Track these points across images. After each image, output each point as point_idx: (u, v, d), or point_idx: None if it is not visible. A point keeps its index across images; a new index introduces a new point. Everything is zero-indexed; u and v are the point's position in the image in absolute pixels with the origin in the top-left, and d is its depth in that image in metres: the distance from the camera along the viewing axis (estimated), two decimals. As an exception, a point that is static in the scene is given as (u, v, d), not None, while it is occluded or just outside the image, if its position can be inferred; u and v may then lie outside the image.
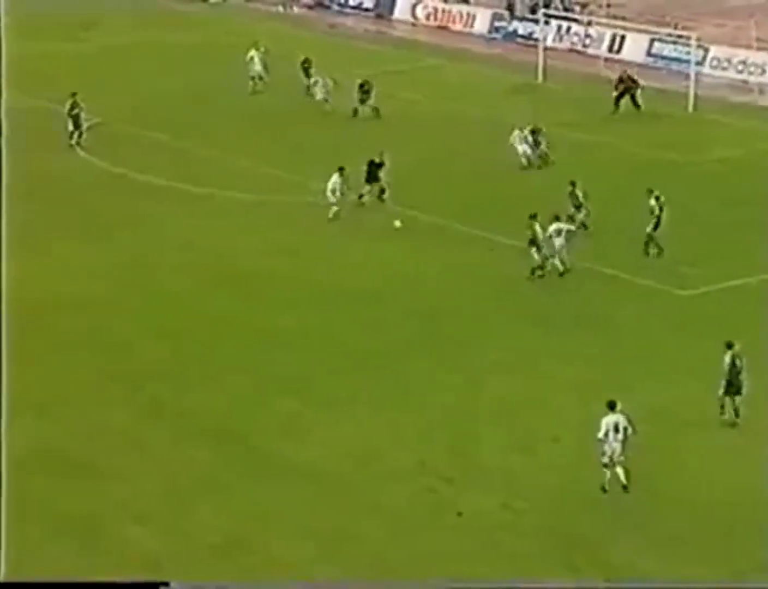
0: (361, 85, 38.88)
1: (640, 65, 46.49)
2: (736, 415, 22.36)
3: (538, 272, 28.23)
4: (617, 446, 20.29)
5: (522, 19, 50.77)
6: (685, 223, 31.54)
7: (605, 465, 20.45)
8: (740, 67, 45.07)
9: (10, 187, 35.87)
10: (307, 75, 41.44)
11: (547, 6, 50.08)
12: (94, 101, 37.97)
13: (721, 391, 22.30)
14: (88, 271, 28.58)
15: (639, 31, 47.27)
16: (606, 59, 47.07)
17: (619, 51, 47.64)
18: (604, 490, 20.52)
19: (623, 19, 48.85)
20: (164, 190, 33.79)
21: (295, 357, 24.92)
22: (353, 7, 55.42)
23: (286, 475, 21.01)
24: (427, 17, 53.16)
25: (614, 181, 34.83)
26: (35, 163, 34.84)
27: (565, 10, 50.54)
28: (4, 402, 22.70)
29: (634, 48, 47.31)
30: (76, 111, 36.06)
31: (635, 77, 41.66)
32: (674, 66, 45.34)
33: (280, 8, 56.41)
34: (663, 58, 46.54)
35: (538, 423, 22.49)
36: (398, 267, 29.14)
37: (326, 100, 39.02)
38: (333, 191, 31.42)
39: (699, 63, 43.78)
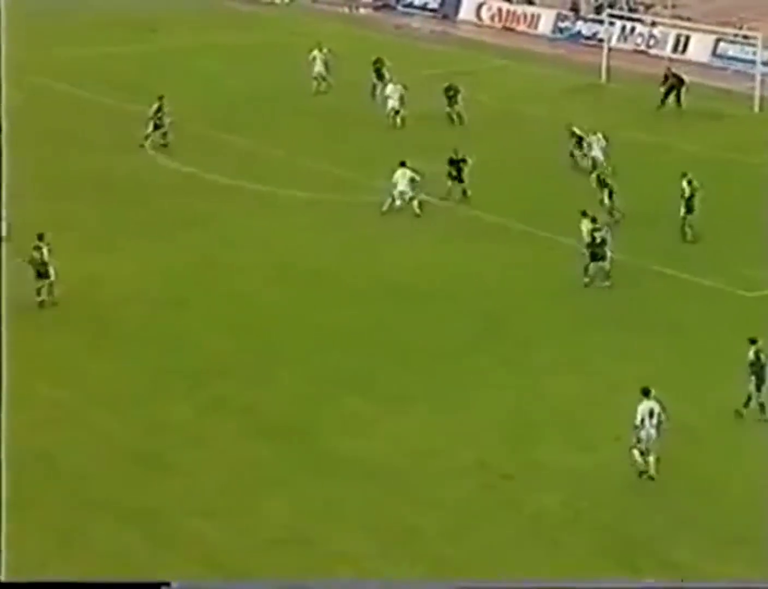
0: (447, 89, 38.97)
1: (704, 66, 46.32)
2: (762, 410, 22.43)
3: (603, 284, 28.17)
4: (653, 432, 20.60)
5: (586, 19, 50.72)
6: (749, 225, 31.45)
7: (642, 453, 20.68)
8: (809, 68, 44.72)
9: (80, 187, 36.76)
10: (379, 76, 41.69)
11: (611, 7, 49.99)
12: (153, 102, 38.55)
13: (752, 388, 22.37)
14: (156, 269, 29.02)
15: (704, 31, 47.03)
16: (670, 60, 46.85)
17: (683, 51, 47.45)
18: (641, 475, 20.73)
19: (688, 19, 48.61)
20: (231, 189, 34.19)
21: (357, 354, 25.13)
22: (418, 8, 55.66)
23: (348, 471, 21.21)
24: (492, 18, 53.27)
25: (677, 182, 34.72)
26: (104, 162, 35.52)
27: (630, 10, 50.42)
28: (66, 397, 23.30)
29: (699, 48, 47.08)
30: (160, 114, 36.67)
31: (681, 75, 41.55)
32: (739, 66, 45.05)
33: (346, 9, 56.82)
34: (728, 58, 46.28)
35: (599, 422, 22.49)
36: (461, 266, 29.24)
37: (396, 111, 38.91)
38: (395, 185, 31.73)
39: (765, 63, 43.44)
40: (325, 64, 42.06)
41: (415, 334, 26.01)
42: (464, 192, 32.61)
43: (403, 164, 32.02)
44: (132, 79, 43.73)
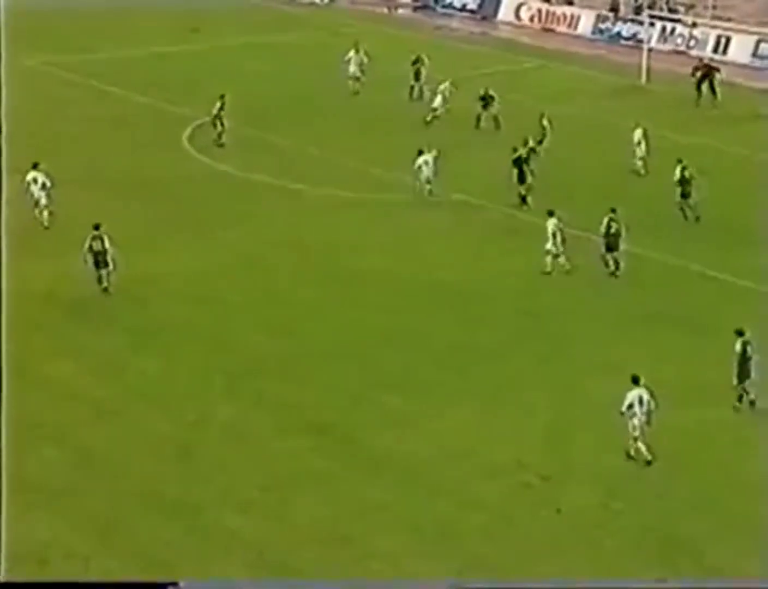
0: (482, 95, 39.09)
1: (745, 66, 46.11)
2: (749, 401, 22.63)
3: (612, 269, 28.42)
4: (643, 418, 20.97)
5: (626, 20, 50.60)
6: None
7: (635, 438, 21.07)
8: None
9: (120, 184, 37.08)
10: (417, 76, 41.81)
11: (651, 7, 49.84)
12: (201, 101, 38.87)
13: (735, 380, 22.59)
14: (197, 267, 29.24)
15: (745, 32, 46.82)
16: (711, 60, 46.70)
17: (724, 52, 47.25)
18: (629, 457, 21.17)
19: (729, 20, 48.41)
20: (270, 188, 34.38)
21: (397, 352, 25.24)
22: (458, 9, 55.72)
23: (387, 468, 21.34)
24: (531, 19, 53.25)
25: (718, 182, 34.63)
26: (145, 160, 35.85)
27: (670, 11, 50.23)
28: (113, 392, 23.56)
29: (740, 49, 46.88)
30: (222, 113, 37.11)
31: (713, 65, 41.60)
32: (781, 67, 44.92)
33: (385, 10, 56.99)
34: (769, 59, 46.15)
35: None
36: (500, 265, 29.29)
37: (435, 110, 39.11)
38: (419, 169, 32.23)
39: (806, 64, 43.30)
40: (360, 64, 42.27)
41: (454, 333, 26.09)
42: (524, 196, 32.49)
43: (421, 153, 32.40)
44: (174, 80, 44.08)
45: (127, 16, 52.21)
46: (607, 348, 25.09)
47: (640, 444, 21.25)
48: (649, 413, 21.21)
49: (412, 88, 41.86)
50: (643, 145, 34.83)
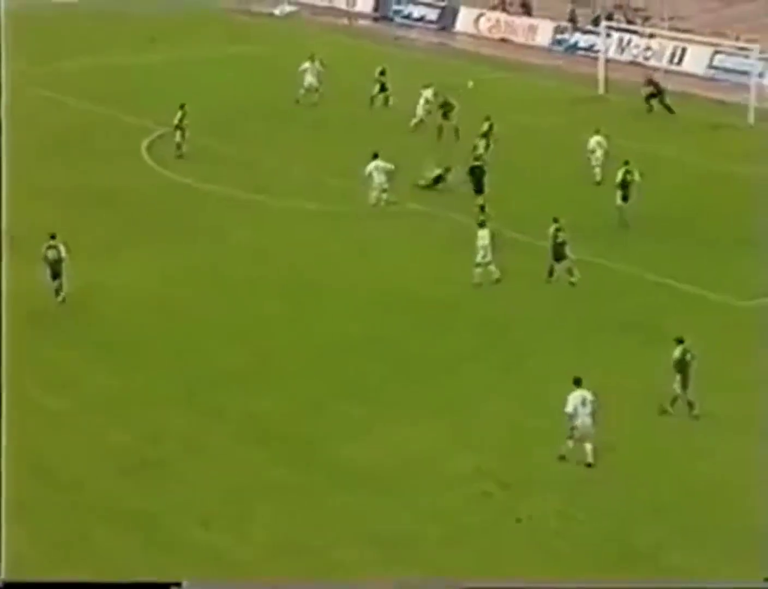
0: (442, 104, 39.35)
1: (701, 77, 46.64)
2: (672, 404, 22.98)
3: (572, 278, 28.69)
4: (588, 420, 21.22)
5: (584, 31, 51.03)
6: (746, 235, 31.71)
7: (571, 437, 21.36)
8: (804, 80, 45.11)
9: (78, 195, 36.91)
10: (382, 86, 41.96)
11: (608, 19, 50.28)
12: (160, 111, 38.82)
13: (678, 387, 22.91)
14: (156, 279, 29.21)
15: (700, 43, 47.37)
16: (667, 71, 47.21)
17: (680, 63, 47.77)
18: (561, 458, 21.42)
19: (685, 31, 48.95)
20: (230, 199, 34.41)
21: (358, 362, 25.31)
22: (417, 20, 55.99)
23: (347, 479, 21.37)
24: (490, 30, 53.59)
25: (675, 192, 35.03)
26: (104, 172, 35.76)
27: (627, 22, 50.72)
28: (68, 405, 23.48)
29: (696, 60, 47.42)
30: (184, 123, 37.06)
31: (659, 83, 42.07)
32: (735, 78, 45.36)
33: (345, 21, 57.16)
34: (724, 70, 46.60)
35: (596, 431, 22.57)
36: (461, 275, 29.39)
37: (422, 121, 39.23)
38: (371, 178, 32.32)
39: (761, 75, 43.76)
40: (317, 75, 42.40)
41: (415, 342, 26.20)
42: (482, 206, 32.74)
43: (375, 156, 32.45)
44: (133, 90, 44.00)
45: (83, 26, 52.09)
46: (565, 357, 25.20)
47: (586, 445, 21.44)
48: (593, 414, 21.44)
49: (372, 98, 41.99)
50: (599, 153, 35.08)
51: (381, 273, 29.72)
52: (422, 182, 34.42)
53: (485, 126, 36.61)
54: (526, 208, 32.92)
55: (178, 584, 15.46)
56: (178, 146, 37.21)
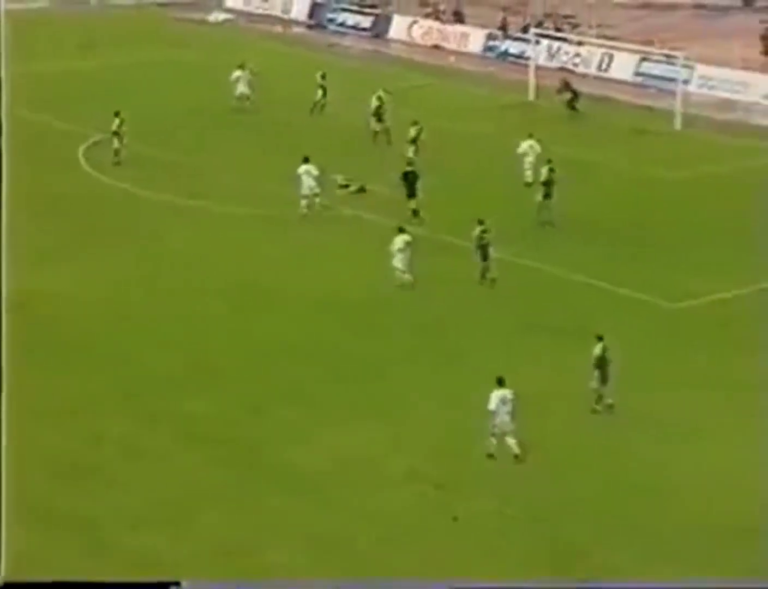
0: (377, 108, 39.80)
1: (628, 84, 47.54)
2: (607, 405, 23.51)
3: (488, 276, 29.20)
4: (507, 418, 21.84)
5: (514, 39, 51.75)
6: (674, 238, 32.52)
7: (493, 435, 21.98)
8: (726, 86, 46.06)
9: (15, 203, 36.61)
10: (324, 92, 42.31)
11: (538, 26, 51.07)
12: (97, 118, 38.83)
13: (594, 383, 23.45)
14: (94, 284, 29.25)
15: (627, 50, 48.26)
16: (595, 78, 48.12)
17: (608, 70, 48.64)
18: (489, 456, 21.97)
19: (612, 39, 49.85)
20: (167, 205, 34.44)
21: (294, 365, 25.53)
22: (351, 27, 56.38)
23: (284, 481, 21.56)
24: (423, 37, 54.13)
25: (605, 196, 35.71)
26: (40, 178, 35.67)
27: (557, 30, 51.52)
28: (4, 408, 23.49)
29: (623, 67, 48.26)
30: (122, 129, 37.13)
31: (575, 88, 43.28)
32: (662, 85, 46.25)
33: (279, 28, 57.42)
34: (651, 76, 47.48)
35: (529, 431, 23.05)
36: (396, 278, 29.81)
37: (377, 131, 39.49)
38: (301, 182, 32.47)
39: (686, 82, 44.69)
40: (249, 83, 42.64)
41: (351, 345, 26.47)
42: (415, 211, 33.05)
43: (306, 160, 32.72)
44: (68, 97, 43.91)
45: (16, 32, 51.68)
46: (497, 358, 25.52)
47: (509, 439, 22.00)
48: (512, 412, 22.01)
49: (316, 103, 42.31)
50: (530, 157, 35.61)
51: (317, 277, 29.91)
52: (351, 188, 34.76)
53: (413, 131, 37.14)
54: (458, 212, 33.38)
55: (177, 583, 15.63)
56: (116, 152, 37.30)
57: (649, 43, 48.86)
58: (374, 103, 39.89)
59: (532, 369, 25.15)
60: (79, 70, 47.72)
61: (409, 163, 33.70)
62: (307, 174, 32.92)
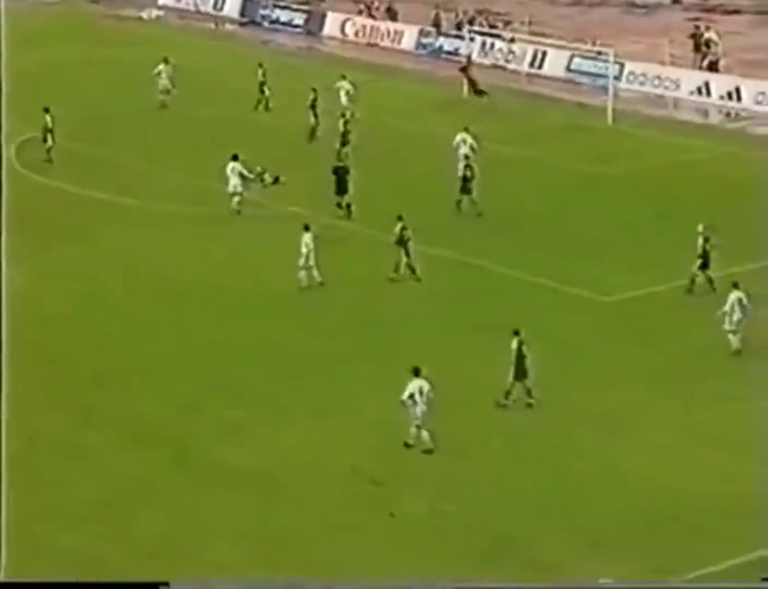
0: (312, 105, 39.92)
1: (560, 80, 48.01)
2: (530, 395, 23.79)
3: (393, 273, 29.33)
4: (424, 408, 21.96)
5: (448, 35, 52.04)
6: (606, 232, 32.95)
7: (418, 426, 22.23)
8: (656, 82, 46.65)
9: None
10: (261, 89, 42.33)
11: (471, 23, 51.41)
12: (27, 116, 38.46)
13: (510, 377, 23.75)
14: (27, 283, 29.12)
15: (559, 47, 48.76)
16: (528, 74, 48.55)
17: (540, 66, 49.10)
18: (407, 445, 22.29)
19: (544, 36, 50.33)
20: (101, 203, 34.29)
21: (234, 364, 25.57)
22: (284, 24, 56.35)
23: (225, 479, 21.63)
24: (356, 34, 54.21)
25: (539, 192, 36.09)
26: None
27: (490, 27, 51.88)
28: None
29: (555, 63, 48.68)
30: (52, 127, 36.89)
31: (480, 85, 44.28)
32: (593, 81, 46.78)
33: (212, 25, 57.23)
34: (582, 73, 47.97)
35: (467, 427, 23.27)
36: (340, 275, 29.76)
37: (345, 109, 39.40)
38: (227, 180, 32.41)
39: (617, 78, 45.24)
40: (170, 78, 42.58)
41: (290, 343, 26.53)
42: (348, 205, 33.08)
43: (235, 158, 32.67)
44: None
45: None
46: (439, 356, 25.65)
47: (423, 432, 22.24)
48: (429, 403, 22.21)
49: (258, 101, 42.26)
50: (463, 149, 35.56)
51: (255, 275, 29.91)
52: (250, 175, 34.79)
53: (340, 125, 37.27)
54: (392, 208, 33.58)
55: (166, 584, 15.72)
56: (48, 150, 37.08)
57: (581, 40, 49.36)
58: (310, 97, 40.03)
59: (471, 366, 25.38)
60: (10, 67, 47.15)
61: (339, 159, 33.71)
62: (233, 171, 32.77)
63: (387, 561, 19.60)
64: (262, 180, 34.37)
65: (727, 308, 25.71)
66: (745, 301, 25.69)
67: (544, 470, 22.14)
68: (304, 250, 28.85)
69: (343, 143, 36.66)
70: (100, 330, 26.94)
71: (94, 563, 19.19)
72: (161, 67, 42.70)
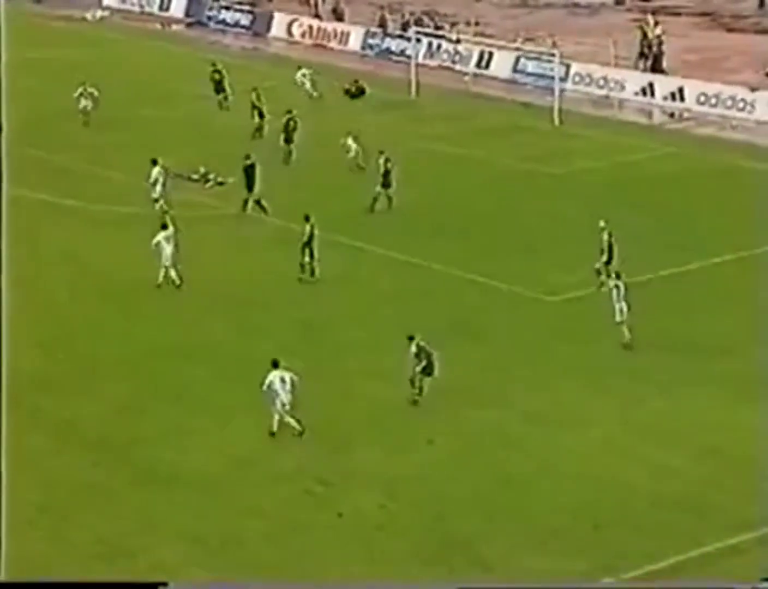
0: (254, 105, 39.84)
1: (506, 81, 48.21)
2: (420, 393, 24.01)
3: (301, 274, 29.40)
4: (288, 397, 22.77)
5: (394, 36, 52.09)
6: (552, 232, 33.11)
7: (281, 415, 22.83)
8: (601, 83, 46.94)
9: None
10: (220, 88, 42.09)
11: (417, 24, 51.48)
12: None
13: (413, 374, 23.90)
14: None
15: (505, 48, 48.95)
16: (474, 75, 48.70)
17: (486, 67, 49.25)
18: (271, 435, 22.72)
19: (490, 36, 50.50)
20: (45, 204, 33.98)
21: (176, 365, 25.48)
22: (231, 25, 56.13)
23: (168, 481, 21.53)
24: (303, 35, 54.12)
25: (485, 192, 36.19)
26: None
27: (436, 28, 51.97)
28: None
29: (501, 64, 48.86)
30: None
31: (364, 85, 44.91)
32: (539, 82, 47.01)
33: (158, 25, 56.91)
34: (528, 74, 48.16)
35: (413, 427, 23.30)
36: (274, 275, 29.79)
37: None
38: (154, 184, 32.32)
39: (562, 79, 45.48)
40: (91, 96, 40.52)
41: (232, 344, 26.46)
42: (258, 202, 33.04)
43: (155, 162, 32.67)
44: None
45: None
46: (380, 355, 25.73)
47: (289, 419, 22.82)
48: (293, 392, 22.76)
49: (219, 103, 42.41)
50: (353, 148, 35.88)
51: (198, 275, 29.75)
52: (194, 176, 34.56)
53: (285, 123, 37.16)
54: (329, 209, 33.46)
55: (165, 584, 15.65)
56: None
57: (527, 40, 49.58)
58: (252, 98, 39.92)
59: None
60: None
61: (247, 157, 33.43)
62: (158, 175, 32.51)
63: (333, 560, 19.56)
64: (207, 181, 34.27)
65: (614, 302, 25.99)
66: (623, 290, 25.95)
67: (489, 469, 22.19)
68: (157, 245, 28.72)
69: (287, 140, 36.74)
70: (42, 332, 26.67)
71: (36, 567, 18.97)
72: (80, 89, 40.61)
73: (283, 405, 22.85)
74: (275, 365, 23.01)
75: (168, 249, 28.78)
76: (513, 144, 40.49)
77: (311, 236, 29.27)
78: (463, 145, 39.76)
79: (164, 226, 29.23)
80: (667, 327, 27.28)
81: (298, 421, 22.81)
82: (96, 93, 40.19)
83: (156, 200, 32.77)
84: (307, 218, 29.40)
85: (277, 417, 22.82)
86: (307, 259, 29.38)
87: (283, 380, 22.87)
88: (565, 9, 56.52)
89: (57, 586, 17.08)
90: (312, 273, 29.45)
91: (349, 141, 36.59)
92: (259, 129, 39.67)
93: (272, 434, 22.90)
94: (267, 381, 22.85)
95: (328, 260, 30.05)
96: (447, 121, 42.72)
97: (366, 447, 22.66)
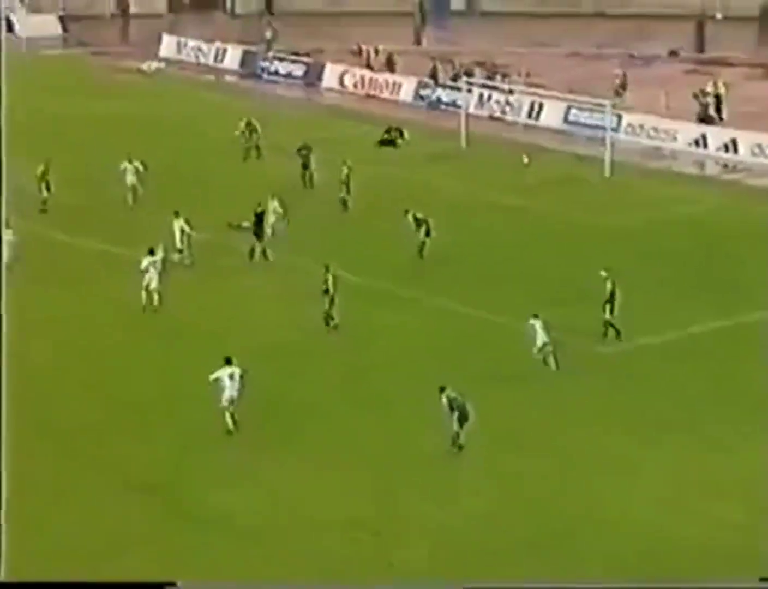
0: (299, 150, 40.18)
1: (557, 131, 48.29)
2: (455, 443, 23.95)
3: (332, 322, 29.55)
4: (235, 393, 24.07)
5: (445, 87, 52.43)
6: (601, 283, 32.91)
7: (225, 408, 24.18)
8: (652, 134, 46.96)
9: None
10: (249, 135, 42.73)
11: (468, 75, 51.79)
12: (22, 167, 38.58)
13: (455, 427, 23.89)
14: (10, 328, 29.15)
15: (556, 98, 49.07)
16: (525, 126, 48.83)
17: (537, 118, 49.39)
18: (229, 432, 24.09)
19: (542, 87, 50.68)
20: (94, 251, 34.41)
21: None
22: (284, 76, 56.79)
23: (218, 525, 21.64)
24: (355, 85, 54.62)
25: (538, 243, 36.17)
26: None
27: (487, 78, 52.28)
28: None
29: (552, 115, 49.02)
30: (48, 177, 37.11)
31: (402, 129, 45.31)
32: (590, 132, 47.02)
33: (212, 76, 57.67)
34: (579, 124, 48.29)
35: (457, 475, 23.36)
36: (312, 322, 29.72)
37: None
38: (180, 238, 32.92)
39: (614, 129, 45.50)
40: (138, 176, 38.34)
41: (282, 388, 26.53)
42: (264, 251, 33.41)
43: (177, 214, 33.14)
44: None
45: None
46: (426, 404, 25.36)
47: (228, 415, 23.88)
48: (241, 389, 24.06)
49: (247, 150, 42.68)
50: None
51: (250, 322, 29.97)
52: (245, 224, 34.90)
53: (342, 174, 37.32)
54: (359, 254, 33.18)
55: (173, 584, 15.69)
56: (44, 202, 37.38)
57: (577, 92, 49.63)
58: (301, 152, 40.08)
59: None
60: (9, 119, 47.30)
61: (258, 205, 33.69)
62: (178, 229, 32.85)
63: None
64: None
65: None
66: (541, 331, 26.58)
67: (536, 517, 22.09)
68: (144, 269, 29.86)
69: (347, 190, 37.22)
70: (84, 376, 26.98)
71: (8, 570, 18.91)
72: (125, 164, 38.40)
73: (229, 400, 23.91)
74: (228, 361, 24.09)
75: (154, 274, 29.92)
76: (564, 195, 40.46)
77: (332, 285, 29.26)
78: (515, 196, 39.78)
79: (151, 252, 30.20)
80: (721, 378, 27.02)
81: (235, 422, 23.98)
82: (141, 168, 39.52)
83: (180, 251, 33.04)
84: (327, 268, 29.45)
85: (228, 415, 23.93)
86: (326, 306, 29.34)
87: (231, 377, 23.92)
88: (619, 60, 56.57)
89: (58, 586, 16.78)
90: (327, 323, 29.38)
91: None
92: (310, 178, 39.95)
93: (229, 432, 23.96)
94: (215, 375, 24.00)
95: (381, 310, 30.04)
96: (498, 171, 42.81)
97: (416, 496, 22.58)
